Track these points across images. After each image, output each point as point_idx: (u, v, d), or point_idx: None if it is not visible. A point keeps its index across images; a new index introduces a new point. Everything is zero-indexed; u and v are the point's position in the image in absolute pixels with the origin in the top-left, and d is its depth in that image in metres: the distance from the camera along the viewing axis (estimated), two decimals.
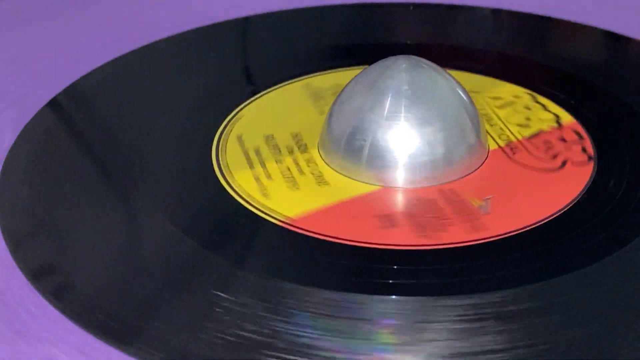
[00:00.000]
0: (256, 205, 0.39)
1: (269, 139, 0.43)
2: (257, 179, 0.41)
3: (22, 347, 0.33)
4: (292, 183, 0.41)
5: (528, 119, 0.43)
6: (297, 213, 0.39)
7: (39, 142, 0.43)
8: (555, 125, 0.43)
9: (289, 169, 0.41)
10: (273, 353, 0.33)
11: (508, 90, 0.46)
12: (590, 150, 0.41)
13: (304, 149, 0.43)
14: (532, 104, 0.45)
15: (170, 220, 0.38)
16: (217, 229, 0.38)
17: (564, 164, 0.41)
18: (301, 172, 0.41)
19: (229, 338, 0.33)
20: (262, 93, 0.47)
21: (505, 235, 0.37)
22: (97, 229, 0.38)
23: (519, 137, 0.42)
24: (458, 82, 0.42)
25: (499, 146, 0.42)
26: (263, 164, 0.42)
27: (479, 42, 0.52)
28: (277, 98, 0.47)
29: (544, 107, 0.44)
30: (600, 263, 0.36)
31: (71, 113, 0.46)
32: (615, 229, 0.38)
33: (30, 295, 0.35)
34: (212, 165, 0.41)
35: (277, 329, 0.34)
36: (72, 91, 0.47)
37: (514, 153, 0.42)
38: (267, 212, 0.39)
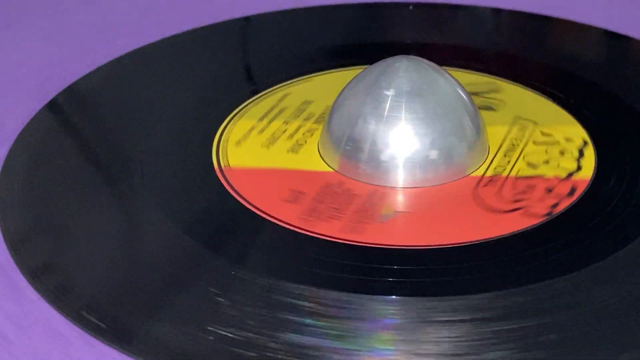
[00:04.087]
0: (218, 146, 0.41)
1: (305, 103, 0.45)
2: (250, 130, 0.43)
3: (21, 347, 0.33)
4: (270, 142, 0.42)
5: (546, 162, 0.42)
6: (235, 164, 0.40)
7: (39, 142, 0.43)
8: (562, 176, 0.41)
9: (284, 131, 0.43)
10: (273, 353, 0.33)
11: (568, 130, 0.44)
12: (559, 209, 0.39)
13: (320, 119, 0.44)
14: (572, 150, 0.42)
15: (170, 220, 0.38)
16: (218, 229, 0.38)
17: (515, 210, 0.39)
18: (291, 137, 0.42)
19: (229, 337, 0.33)
20: (348, 67, 0.48)
21: (506, 236, 0.37)
22: (97, 228, 0.38)
23: (511, 174, 0.41)
24: (458, 82, 0.42)
25: (483, 175, 0.41)
26: (271, 121, 0.43)
27: (479, 42, 0.52)
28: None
29: (580, 156, 0.42)
30: (600, 263, 0.36)
31: (71, 113, 0.46)
32: (616, 229, 0.38)
33: (30, 295, 0.35)
34: (213, 165, 0.41)
35: (277, 328, 0.34)
36: (72, 91, 0.47)
37: (485, 185, 0.40)
38: (220, 154, 0.41)
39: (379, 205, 0.39)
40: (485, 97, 0.45)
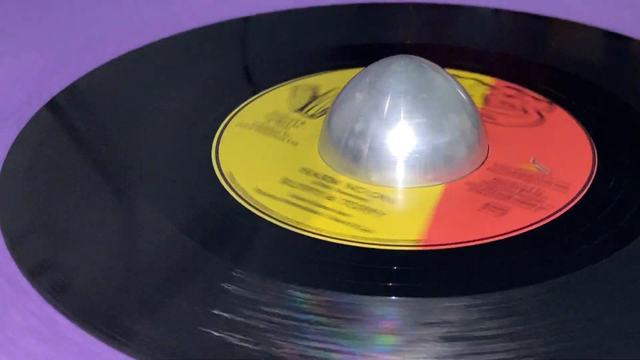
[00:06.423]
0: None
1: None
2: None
3: (20, 345, 0.33)
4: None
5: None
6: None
7: (39, 142, 0.43)
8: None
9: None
10: (271, 353, 0.33)
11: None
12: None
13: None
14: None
15: (169, 220, 0.38)
16: (217, 228, 0.38)
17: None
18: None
19: (227, 337, 0.33)
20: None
21: (507, 236, 0.38)
22: (96, 228, 0.38)
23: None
24: (458, 82, 0.42)
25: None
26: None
27: (479, 42, 0.52)
28: None
29: None
30: (600, 264, 0.36)
31: (71, 113, 0.46)
32: (616, 229, 0.38)
33: (28, 294, 0.35)
34: (212, 164, 0.41)
35: (276, 328, 0.34)
36: (72, 91, 0.47)
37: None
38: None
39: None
40: None
